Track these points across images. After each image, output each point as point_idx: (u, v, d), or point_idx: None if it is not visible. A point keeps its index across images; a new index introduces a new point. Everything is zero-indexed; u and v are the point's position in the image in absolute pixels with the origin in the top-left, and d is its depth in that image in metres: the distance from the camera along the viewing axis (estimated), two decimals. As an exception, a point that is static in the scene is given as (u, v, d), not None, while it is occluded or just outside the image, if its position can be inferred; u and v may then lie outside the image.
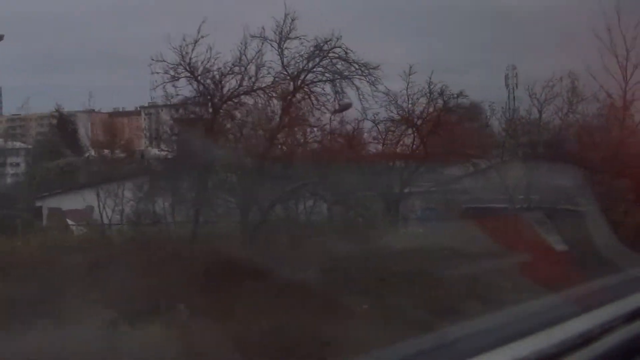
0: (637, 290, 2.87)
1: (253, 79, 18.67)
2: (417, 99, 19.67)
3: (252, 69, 18.56)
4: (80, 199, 19.15)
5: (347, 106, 19.43)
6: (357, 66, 18.89)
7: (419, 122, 20.06)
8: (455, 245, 16.06)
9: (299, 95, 19.41)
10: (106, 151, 21.69)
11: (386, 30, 24.05)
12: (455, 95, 19.81)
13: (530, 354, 2.45)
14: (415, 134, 20.10)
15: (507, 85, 21.09)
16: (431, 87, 19.57)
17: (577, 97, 20.71)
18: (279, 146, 19.60)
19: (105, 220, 19.20)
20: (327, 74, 19.16)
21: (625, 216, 17.40)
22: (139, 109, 25.15)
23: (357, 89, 18.92)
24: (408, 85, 19.40)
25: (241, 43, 18.31)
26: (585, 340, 2.51)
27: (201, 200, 18.77)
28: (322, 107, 19.40)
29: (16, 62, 22.44)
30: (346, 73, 19.05)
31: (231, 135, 19.60)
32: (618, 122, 21.31)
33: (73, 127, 25.21)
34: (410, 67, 19.14)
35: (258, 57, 18.46)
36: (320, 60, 18.92)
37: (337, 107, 19.50)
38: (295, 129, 20.02)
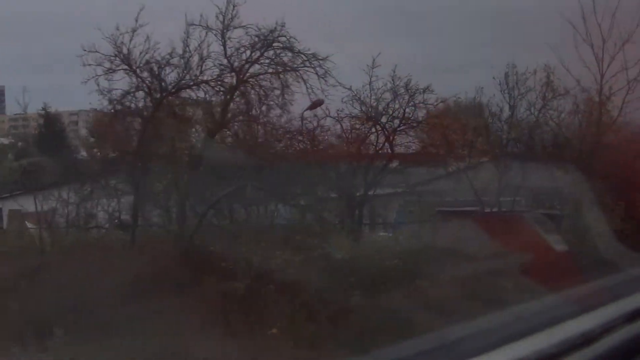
0: (638, 290, 3.11)
1: (197, 72, 18.52)
2: (381, 94, 19.79)
3: (196, 60, 18.40)
4: (45, 200, 19.02)
5: (318, 103, 19.48)
6: (304, 57, 18.85)
7: (383, 119, 20.19)
8: (415, 253, 16.14)
9: (244, 89, 19.27)
10: (95, 151, 21.57)
11: (386, 29, 24.43)
12: (422, 90, 19.93)
13: (531, 354, 2.63)
14: (380, 132, 20.24)
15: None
16: (395, 81, 19.71)
17: (552, 92, 21.01)
18: (224, 144, 19.46)
19: (62, 223, 19.09)
20: (274, 66, 19.03)
21: (600, 220, 17.71)
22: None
23: (305, 82, 18.88)
24: (371, 79, 19.50)
25: (184, 33, 18.16)
26: (585, 340, 2.71)
27: (140, 202, 18.65)
28: (271, 102, 19.34)
29: (17, 61, 22.62)
30: (295, 65, 18.96)
31: (174, 133, 19.47)
32: (595, 117, 21.65)
33: (61, 126, 25.17)
34: (374, 60, 19.25)
35: (202, 48, 18.33)
36: (264, 51, 18.80)
37: (282, 101, 19.46)
38: (240, 125, 19.93)
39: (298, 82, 18.95)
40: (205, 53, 18.37)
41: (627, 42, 20.80)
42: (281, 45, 18.83)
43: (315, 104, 19.56)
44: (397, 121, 20.06)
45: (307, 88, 18.89)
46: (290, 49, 18.84)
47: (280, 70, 19.07)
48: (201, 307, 13.64)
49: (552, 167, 19.57)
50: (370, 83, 19.52)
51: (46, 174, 21.63)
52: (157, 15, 18.44)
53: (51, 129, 24.43)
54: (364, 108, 20.04)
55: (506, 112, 21.18)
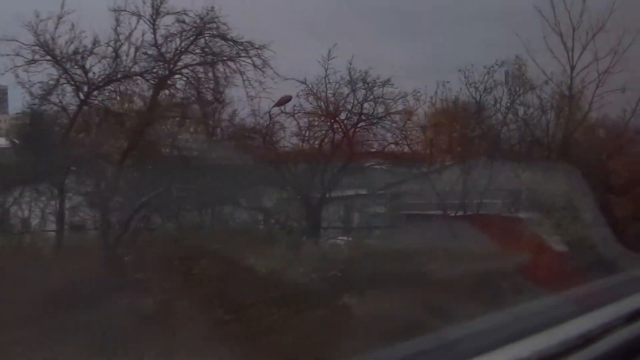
0: (637, 291, 3.38)
1: (128, 63, 18.13)
2: (338, 87, 19.75)
3: (125, 50, 18.00)
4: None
5: (285, 100, 19.41)
6: (240, 46, 18.44)
7: (342, 115, 20.12)
8: (362, 262, 15.98)
9: (174, 81, 18.86)
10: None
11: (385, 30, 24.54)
12: (381, 84, 19.91)
13: (531, 355, 2.88)
14: (338, 129, 20.15)
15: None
16: (352, 74, 19.68)
17: (523, 86, 21.17)
18: (154, 143, 19.12)
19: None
20: (206, 56, 18.65)
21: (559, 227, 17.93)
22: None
23: (241, 73, 18.53)
24: (327, 72, 19.46)
25: (115, 20, 17.74)
26: (585, 340, 2.97)
27: (64, 206, 18.35)
28: (208, 95, 19.02)
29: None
30: (231, 55, 18.59)
31: (102, 129, 19.09)
32: (565, 113, 21.84)
33: (45, 125, 24.75)
34: (330, 51, 19.19)
35: (132, 37, 17.91)
36: (195, 39, 18.45)
37: (218, 94, 19.26)
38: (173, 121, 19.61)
39: (237, 73, 18.59)
40: (136, 42, 17.90)
41: (600, 31, 21.06)
42: (212, 33, 18.47)
43: (283, 101, 19.45)
44: (355, 117, 20.02)
45: (243, 80, 18.53)
46: (223, 36, 18.45)
47: (211, 60, 18.67)
48: (100, 327, 13.08)
49: (521, 167, 19.81)
50: (326, 76, 19.53)
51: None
52: (85, 1, 18.06)
53: (35, 128, 24.04)
54: (321, 103, 20.01)
55: (473, 108, 21.34)
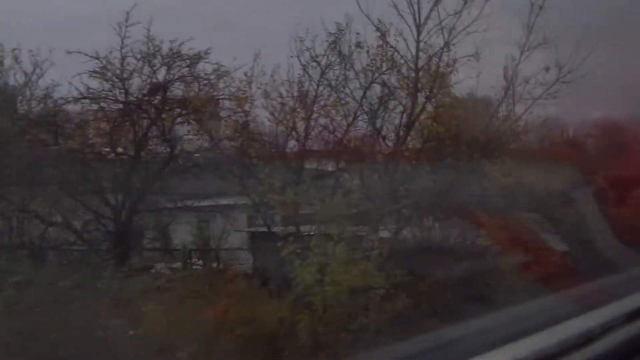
0: (637, 290, 3.89)
1: None
2: (138, 62, 18.28)
3: None
4: None
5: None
6: None
7: (149, 101, 18.82)
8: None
9: None
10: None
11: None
12: (192, 59, 18.43)
13: (531, 354, 3.34)
14: (140, 118, 18.80)
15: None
16: (153, 44, 18.21)
17: (386, 59, 19.70)
18: None
19: None
20: None
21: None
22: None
23: None
24: (123, 42, 17.97)
25: None
26: (585, 340, 3.45)
27: None
28: None
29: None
30: None
31: None
32: (412, 93, 20.00)
33: None
34: (128, 14, 17.68)
35: None
36: None
37: None
38: None
39: None
40: None
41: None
42: None
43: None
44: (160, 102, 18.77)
45: None
46: None
47: None
48: None
49: (357, 170, 18.96)
50: (121, 48, 18.07)
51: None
52: None
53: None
54: (117, 84, 18.36)
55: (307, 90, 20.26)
